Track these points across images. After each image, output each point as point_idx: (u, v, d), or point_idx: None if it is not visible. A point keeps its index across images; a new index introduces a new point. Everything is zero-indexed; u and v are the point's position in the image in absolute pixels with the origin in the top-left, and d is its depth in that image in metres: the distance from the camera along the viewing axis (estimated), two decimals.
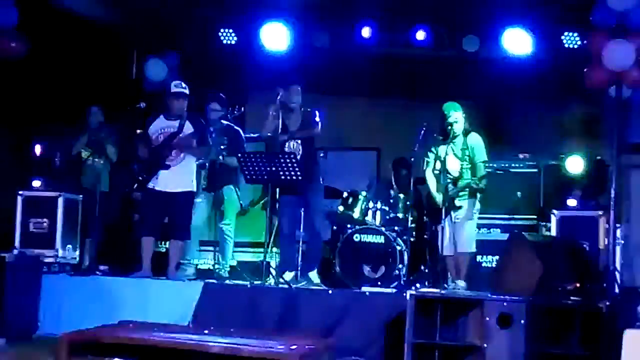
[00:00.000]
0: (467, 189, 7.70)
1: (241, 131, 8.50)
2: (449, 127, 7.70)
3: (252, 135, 8.92)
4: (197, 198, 8.16)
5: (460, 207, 7.69)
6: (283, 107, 8.04)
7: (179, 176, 7.90)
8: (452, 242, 7.73)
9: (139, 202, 8.50)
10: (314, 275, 8.12)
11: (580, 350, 6.05)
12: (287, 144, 8.08)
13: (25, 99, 8.96)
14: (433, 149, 7.86)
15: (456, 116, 7.73)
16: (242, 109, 8.31)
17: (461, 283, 7.73)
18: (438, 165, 7.77)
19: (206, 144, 8.03)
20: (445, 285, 7.84)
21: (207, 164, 8.26)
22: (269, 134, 8.09)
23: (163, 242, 8.59)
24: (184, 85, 8.02)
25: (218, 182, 8.20)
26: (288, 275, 7.94)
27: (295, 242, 8.26)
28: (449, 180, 7.70)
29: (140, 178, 7.87)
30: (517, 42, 9.15)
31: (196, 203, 8.15)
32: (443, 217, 7.64)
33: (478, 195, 7.77)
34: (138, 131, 8.25)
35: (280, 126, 8.05)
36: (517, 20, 9.08)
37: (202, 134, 7.96)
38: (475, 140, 7.80)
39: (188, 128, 7.93)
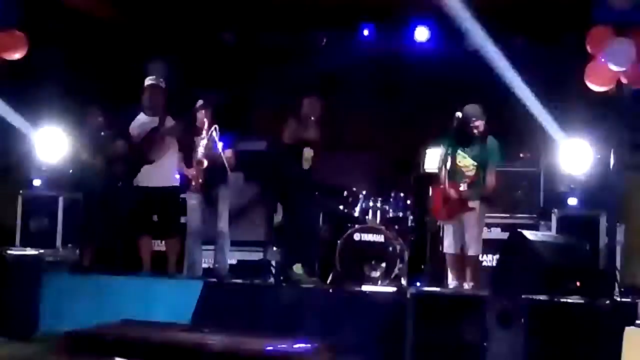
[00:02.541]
0: (480, 192, 7.60)
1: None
2: (472, 130, 7.55)
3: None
4: (191, 199, 8.11)
5: (473, 209, 7.61)
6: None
7: (162, 170, 7.81)
8: (457, 242, 7.65)
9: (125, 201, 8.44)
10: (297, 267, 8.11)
11: (580, 349, 6.05)
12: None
13: (27, 98, 8.96)
14: (446, 148, 7.63)
15: (479, 120, 7.57)
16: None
17: (468, 285, 7.60)
18: (451, 165, 7.62)
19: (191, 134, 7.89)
20: (446, 284, 7.83)
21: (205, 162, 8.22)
22: None
23: (161, 241, 8.56)
24: (160, 79, 7.91)
25: (211, 182, 8.14)
26: (297, 267, 7.95)
27: (299, 237, 8.24)
28: (463, 182, 7.61)
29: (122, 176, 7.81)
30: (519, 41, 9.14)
31: (190, 204, 8.10)
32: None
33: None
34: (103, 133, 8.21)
35: None
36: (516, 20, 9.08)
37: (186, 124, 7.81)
38: (493, 144, 7.65)
39: (170, 122, 7.83)
